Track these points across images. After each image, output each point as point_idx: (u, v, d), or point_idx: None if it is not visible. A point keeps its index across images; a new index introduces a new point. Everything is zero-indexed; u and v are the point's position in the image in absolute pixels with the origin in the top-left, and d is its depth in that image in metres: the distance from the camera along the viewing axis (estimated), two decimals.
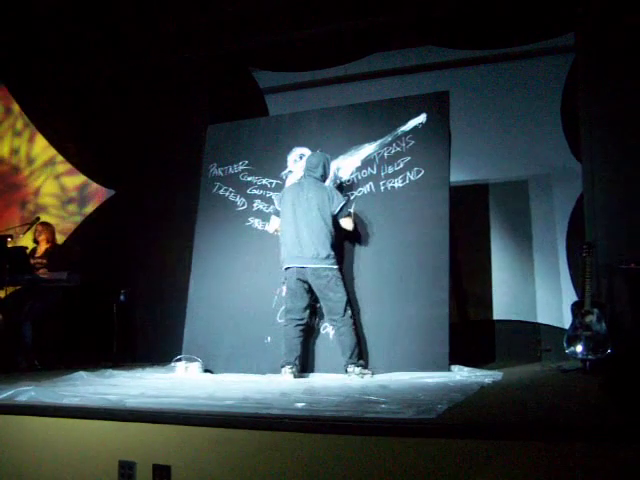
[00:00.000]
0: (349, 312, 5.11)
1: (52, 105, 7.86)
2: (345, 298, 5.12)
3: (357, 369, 4.95)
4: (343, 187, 5.75)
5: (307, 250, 5.13)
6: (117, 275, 7.20)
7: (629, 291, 5.48)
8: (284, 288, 5.37)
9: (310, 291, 5.23)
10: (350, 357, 5.00)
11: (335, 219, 5.24)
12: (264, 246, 5.84)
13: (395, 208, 5.52)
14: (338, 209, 5.21)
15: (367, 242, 5.52)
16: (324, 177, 5.42)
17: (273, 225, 5.52)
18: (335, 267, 5.16)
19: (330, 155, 5.64)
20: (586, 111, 5.90)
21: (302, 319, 5.22)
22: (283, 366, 5.04)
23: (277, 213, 5.48)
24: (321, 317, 5.41)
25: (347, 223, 5.27)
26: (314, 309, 5.37)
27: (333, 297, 5.11)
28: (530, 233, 6.62)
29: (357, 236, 5.52)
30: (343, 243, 5.53)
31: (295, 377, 4.99)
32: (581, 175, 6.01)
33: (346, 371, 4.99)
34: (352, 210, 5.50)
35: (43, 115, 7.97)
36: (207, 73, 7.46)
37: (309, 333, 5.36)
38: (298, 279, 5.18)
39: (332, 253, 5.17)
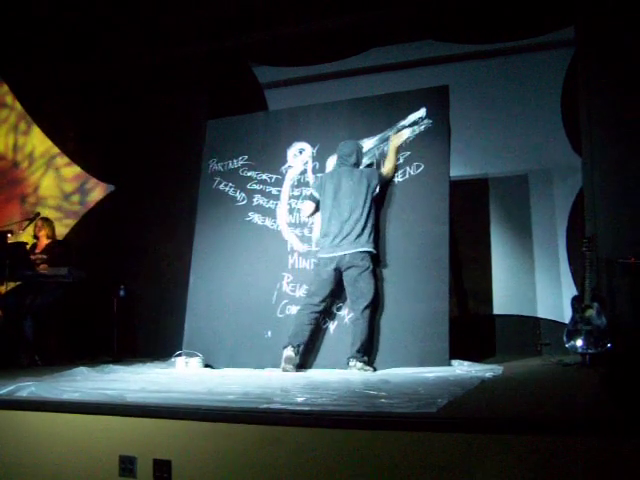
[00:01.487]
0: (370, 308, 5.09)
1: (52, 101, 7.86)
2: (374, 291, 5.12)
3: (359, 364, 4.95)
4: None
5: (349, 237, 5.15)
6: (117, 270, 7.20)
7: (629, 285, 5.48)
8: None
9: (338, 283, 5.23)
10: (358, 350, 4.99)
11: (375, 204, 5.29)
12: (264, 241, 5.84)
13: (395, 203, 5.52)
14: (378, 183, 5.30)
15: None
16: (357, 164, 5.45)
17: (307, 209, 5.57)
18: (374, 252, 5.18)
19: (329, 150, 5.67)
20: (586, 105, 5.89)
21: (319, 307, 5.22)
22: (285, 347, 5.05)
23: (312, 198, 5.51)
24: (331, 317, 5.41)
25: (390, 160, 5.43)
26: (332, 302, 5.37)
27: (364, 287, 5.10)
28: (530, 227, 6.61)
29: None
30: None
31: (295, 357, 5.01)
32: (581, 169, 6.01)
33: (348, 363, 4.99)
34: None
35: (43, 111, 7.97)
36: (206, 68, 7.46)
37: (319, 325, 5.35)
38: (333, 269, 5.18)
39: (372, 238, 5.20)
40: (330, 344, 5.31)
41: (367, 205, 5.22)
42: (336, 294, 5.33)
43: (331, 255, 5.19)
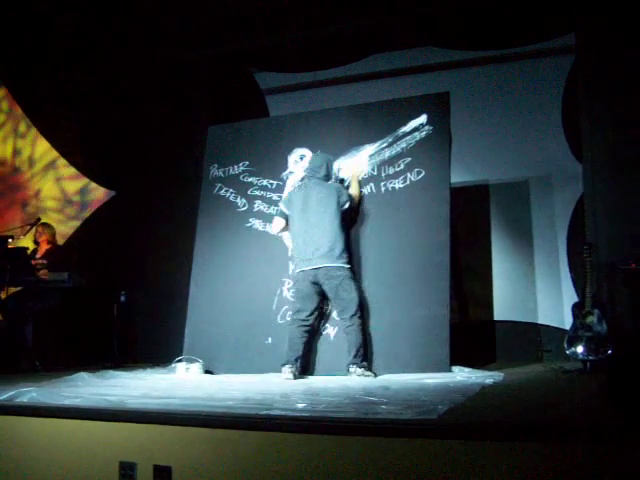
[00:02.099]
0: (359, 313, 5.11)
1: (53, 106, 7.87)
2: (357, 298, 5.13)
3: (359, 370, 4.95)
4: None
5: (320, 251, 5.15)
6: (118, 276, 7.20)
7: (630, 292, 5.48)
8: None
9: (321, 294, 5.24)
10: (355, 357, 5.00)
11: (344, 218, 5.28)
12: (265, 247, 5.84)
13: (396, 209, 5.52)
14: (347, 205, 5.29)
15: (368, 243, 5.52)
16: (327, 177, 5.43)
17: (277, 226, 5.53)
18: (347, 266, 5.18)
19: (331, 156, 5.64)
20: (587, 112, 5.90)
21: (308, 321, 5.23)
22: (283, 365, 5.05)
23: (281, 214, 5.49)
24: (326, 320, 5.42)
25: (354, 188, 5.43)
26: (322, 312, 5.38)
27: (346, 297, 5.12)
28: (531, 234, 6.61)
29: (357, 212, 5.56)
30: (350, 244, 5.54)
31: (295, 377, 4.99)
32: (582, 176, 6.02)
33: (348, 370, 4.99)
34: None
35: (44, 115, 7.98)
36: (208, 74, 7.48)
37: (313, 335, 5.36)
38: (311, 282, 5.18)
39: (344, 253, 5.19)
40: (330, 350, 5.31)
41: (337, 219, 5.22)
42: (324, 304, 5.33)
43: (305, 269, 5.21)
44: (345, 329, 5.15)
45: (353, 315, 5.08)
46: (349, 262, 5.23)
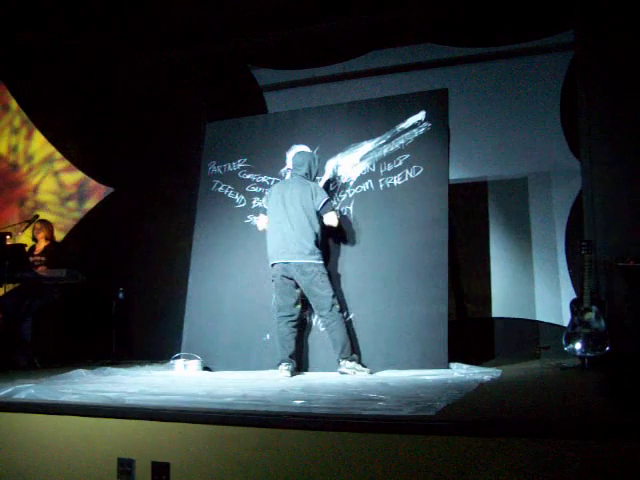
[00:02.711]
0: (337, 307, 5.11)
1: (50, 102, 7.85)
2: (331, 294, 5.13)
3: (350, 363, 4.97)
4: (342, 185, 5.76)
5: (292, 246, 5.15)
6: (116, 272, 7.20)
7: (628, 288, 5.48)
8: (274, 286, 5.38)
9: (298, 286, 5.24)
10: (342, 352, 5.02)
11: (319, 216, 5.26)
12: (263, 243, 5.82)
13: (394, 206, 5.53)
14: (321, 205, 5.23)
15: (366, 240, 5.53)
16: (309, 175, 5.43)
17: (261, 223, 5.52)
18: (320, 263, 5.17)
19: (329, 152, 5.67)
20: (585, 109, 5.90)
21: (293, 315, 5.23)
22: (279, 364, 5.05)
23: (265, 211, 5.49)
24: (312, 311, 5.41)
25: (330, 219, 5.27)
26: (304, 304, 5.37)
27: (319, 293, 5.13)
28: (529, 230, 6.61)
29: (343, 233, 5.54)
30: (329, 240, 5.54)
31: (292, 374, 4.99)
32: (580, 173, 6.02)
33: (338, 363, 5.00)
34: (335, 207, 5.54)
35: (41, 112, 7.96)
36: (206, 71, 7.47)
37: (302, 328, 5.38)
38: (283, 276, 5.19)
39: (317, 249, 5.18)
40: (327, 346, 5.28)
41: (311, 217, 5.20)
42: (304, 296, 5.28)
43: (276, 262, 5.21)
44: (327, 327, 5.16)
45: (330, 311, 5.08)
46: (322, 259, 5.21)
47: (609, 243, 5.61)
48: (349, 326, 5.24)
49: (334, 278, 5.38)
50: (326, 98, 6.81)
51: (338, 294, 5.27)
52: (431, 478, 2.60)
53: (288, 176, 5.85)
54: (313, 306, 5.26)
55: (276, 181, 5.98)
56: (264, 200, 5.59)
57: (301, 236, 5.15)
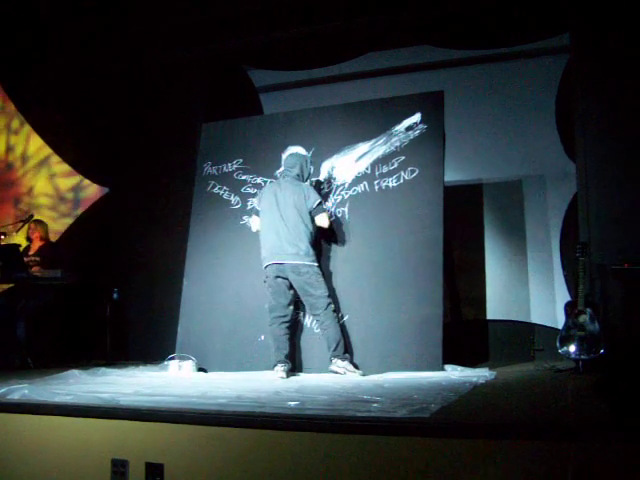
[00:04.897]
0: (331, 307, 5.14)
1: (47, 103, 7.83)
2: (326, 294, 5.15)
3: (341, 362, 4.98)
4: (337, 186, 5.75)
5: (286, 247, 5.15)
6: (110, 273, 7.18)
7: (622, 291, 5.49)
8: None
9: (292, 287, 5.24)
10: (335, 350, 5.03)
11: (312, 218, 5.26)
12: (258, 244, 5.82)
13: (389, 207, 5.53)
14: (315, 205, 5.23)
15: (361, 241, 5.53)
16: (301, 176, 5.43)
17: (255, 224, 5.52)
18: (314, 264, 5.19)
19: (324, 154, 5.68)
20: (580, 111, 5.92)
21: (286, 316, 5.23)
22: (275, 365, 5.05)
23: (257, 212, 5.49)
24: (305, 311, 5.42)
25: (322, 220, 5.27)
26: (297, 304, 5.37)
27: (314, 293, 5.14)
28: (524, 233, 6.63)
29: (334, 235, 5.55)
30: (323, 242, 5.55)
31: (287, 375, 4.99)
32: (575, 175, 6.03)
33: (330, 361, 5.02)
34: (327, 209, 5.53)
35: (37, 113, 7.93)
36: (202, 71, 7.46)
37: (295, 329, 5.39)
38: (278, 276, 5.20)
39: (311, 250, 5.20)
40: (318, 343, 5.27)
41: (305, 218, 5.21)
42: (298, 297, 5.29)
43: (270, 263, 5.21)
44: (321, 326, 5.18)
45: (324, 310, 5.09)
46: (316, 260, 5.22)
47: (604, 246, 5.62)
48: (343, 327, 5.25)
49: (328, 279, 5.38)
50: (322, 100, 6.80)
51: (332, 296, 5.27)
52: None
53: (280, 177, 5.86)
54: (307, 306, 5.27)
55: (271, 182, 5.98)
56: (256, 201, 5.59)
57: (296, 237, 5.16)
